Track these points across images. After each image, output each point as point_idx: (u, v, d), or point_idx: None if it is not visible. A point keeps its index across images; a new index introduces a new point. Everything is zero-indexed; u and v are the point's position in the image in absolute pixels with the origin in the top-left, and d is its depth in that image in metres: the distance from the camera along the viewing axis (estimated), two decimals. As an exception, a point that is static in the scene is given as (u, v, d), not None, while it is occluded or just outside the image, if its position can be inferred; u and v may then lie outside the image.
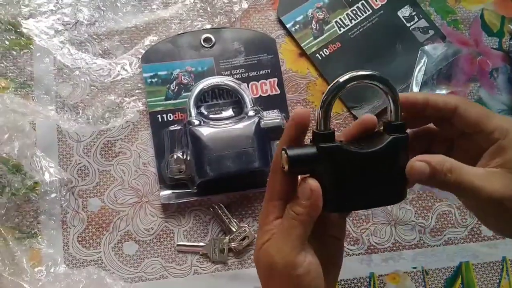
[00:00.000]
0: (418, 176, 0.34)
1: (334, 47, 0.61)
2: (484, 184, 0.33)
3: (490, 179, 0.33)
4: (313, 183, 0.34)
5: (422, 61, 0.59)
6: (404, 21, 0.62)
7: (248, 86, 0.58)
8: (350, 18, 0.62)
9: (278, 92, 0.59)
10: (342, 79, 0.34)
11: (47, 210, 0.53)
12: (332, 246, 0.38)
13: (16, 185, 0.52)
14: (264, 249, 0.36)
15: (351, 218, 0.57)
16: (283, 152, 0.34)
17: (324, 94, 0.34)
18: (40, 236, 0.52)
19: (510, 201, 0.33)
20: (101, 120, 0.55)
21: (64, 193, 0.54)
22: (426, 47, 0.60)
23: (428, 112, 0.37)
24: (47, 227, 0.53)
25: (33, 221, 0.53)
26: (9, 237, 0.51)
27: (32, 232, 0.52)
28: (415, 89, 0.58)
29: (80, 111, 0.56)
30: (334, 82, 0.34)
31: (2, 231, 0.50)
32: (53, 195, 0.53)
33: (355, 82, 0.34)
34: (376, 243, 0.56)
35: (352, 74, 0.34)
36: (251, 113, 0.55)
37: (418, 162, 0.34)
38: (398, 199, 0.36)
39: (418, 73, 0.59)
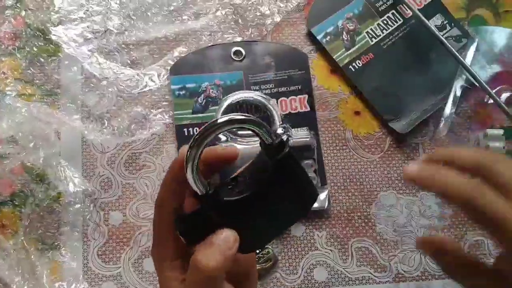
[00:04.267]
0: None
1: (367, 58, 0.59)
2: None
3: None
4: (229, 232, 0.29)
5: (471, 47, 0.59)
6: (436, 30, 0.60)
7: (277, 102, 0.56)
8: (381, 28, 0.60)
9: (308, 109, 0.57)
10: (218, 120, 0.28)
11: (71, 222, 0.52)
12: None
13: (40, 195, 0.52)
14: None
15: (379, 244, 0.55)
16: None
17: (190, 142, 0.28)
18: (63, 248, 0.51)
19: None
20: (127, 132, 0.54)
21: (88, 204, 0.53)
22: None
23: None
24: (70, 238, 0.52)
25: (55, 232, 0.52)
26: (32, 249, 0.50)
27: (55, 244, 0.51)
28: (458, 88, 0.57)
29: (106, 122, 0.54)
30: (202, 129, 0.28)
31: (25, 243, 0.49)
32: (77, 206, 0.52)
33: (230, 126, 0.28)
34: (404, 271, 0.54)
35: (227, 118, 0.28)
36: (279, 130, 0.53)
37: None
38: (301, 214, 0.34)
39: (467, 60, 0.58)
